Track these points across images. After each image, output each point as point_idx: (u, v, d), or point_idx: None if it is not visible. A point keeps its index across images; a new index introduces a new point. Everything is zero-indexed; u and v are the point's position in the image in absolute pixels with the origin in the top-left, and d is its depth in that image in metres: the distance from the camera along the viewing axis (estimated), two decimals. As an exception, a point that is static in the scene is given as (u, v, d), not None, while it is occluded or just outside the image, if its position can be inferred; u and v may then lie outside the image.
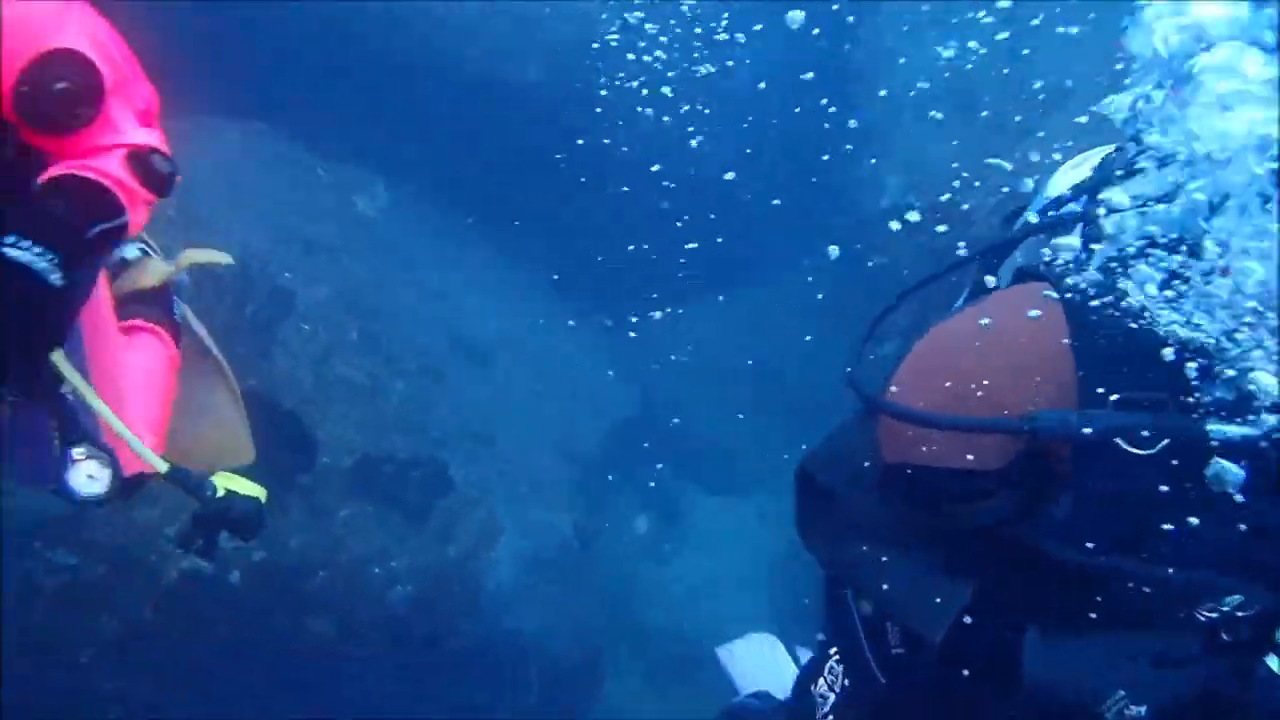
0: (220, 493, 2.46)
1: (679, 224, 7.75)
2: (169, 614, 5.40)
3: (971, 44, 6.82)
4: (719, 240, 7.99)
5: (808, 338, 7.64)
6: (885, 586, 1.76)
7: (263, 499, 2.57)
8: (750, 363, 8.12)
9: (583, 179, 7.68)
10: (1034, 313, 1.62)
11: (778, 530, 7.40)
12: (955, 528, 1.67)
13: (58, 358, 1.99)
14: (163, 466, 2.23)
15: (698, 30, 7.96)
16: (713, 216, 7.57)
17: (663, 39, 8.26)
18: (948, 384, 1.64)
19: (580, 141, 7.82)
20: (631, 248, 7.36)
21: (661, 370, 7.96)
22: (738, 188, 8.17)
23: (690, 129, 7.84)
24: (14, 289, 1.76)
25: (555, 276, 8.10)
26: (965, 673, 1.73)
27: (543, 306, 8.06)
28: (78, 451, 1.90)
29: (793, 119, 8.13)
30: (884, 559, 1.75)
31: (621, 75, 7.97)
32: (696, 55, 8.14)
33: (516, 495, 7.13)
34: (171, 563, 5.49)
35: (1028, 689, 1.66)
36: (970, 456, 1.61)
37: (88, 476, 1.95)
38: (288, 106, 7.54)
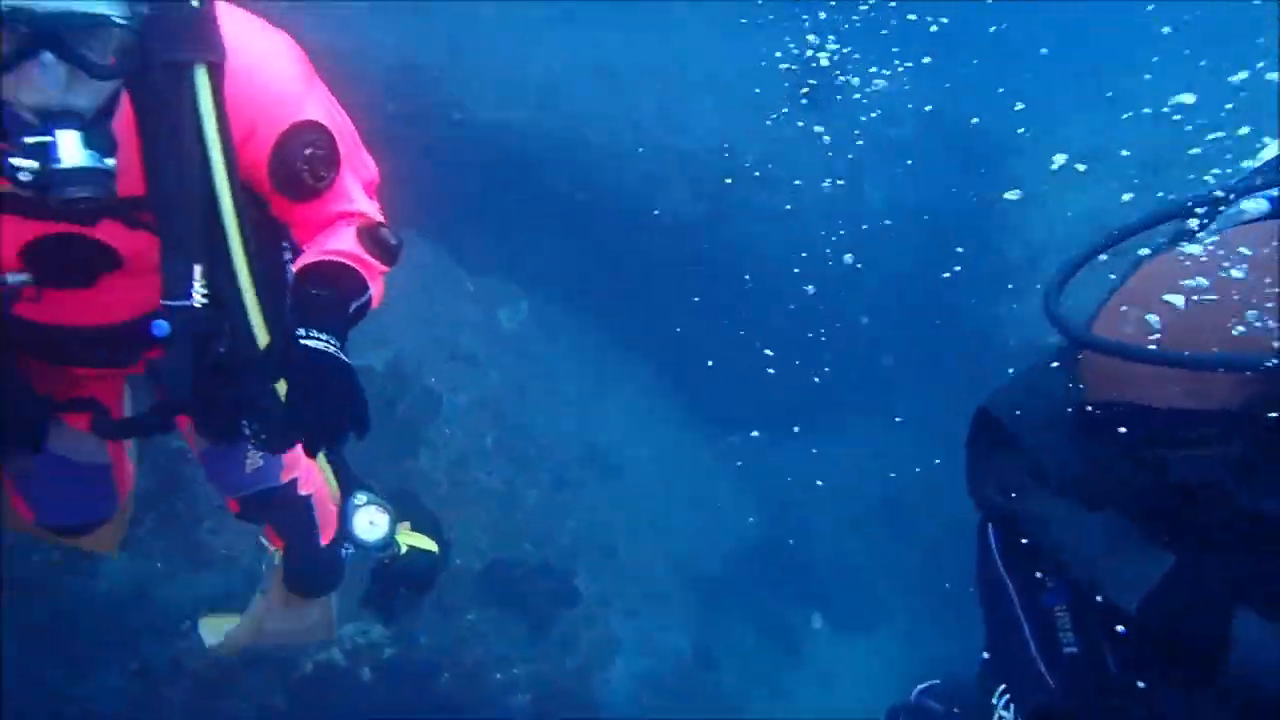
0: (404, 550, 2.57)
1: (811, 348, 7.85)
2: (301, 704, 5.51)
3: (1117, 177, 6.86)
4: (850, 366, 8.04)
5: (935, 466, 7.55)
6: (1070, 542, 1.51)
7: (437, 552, 2.68)
8: (878, 491, 8.04)
9: (719, 301, 7.88)
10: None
11: (903, 666, 7.18)
12: (1161, 480, 1.45)
13: None
14: None
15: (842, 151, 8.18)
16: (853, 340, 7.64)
17: (797, 169, 8.53)
18: (1170, 316, 1.44)
19: (716, 263, 8.06)
20: (768, 370, 7.47)
21: (788, 493, 7.93)
22: (871, 315, 8.25)
23: (827, 253, 7.99)
24: (328, 374, 1.96)
25: (688, 394, 8.22)
26: (1158, 664, 1.49)
27: (675, 422, 8.17)
28: (359, 498, 2.05)
29: (930, 250, 8.23)
30: (1070, 511, 1.52)
31: (760, 204, 8.23)
32: (829, 186, 8.36)
33: (636, 610, 7.12)
34: (306, 654, 5.64)
35: (1234, 678, 1.42)
36: (1193, 395, 1.39)
37: (369, 523, 2.11)
38: (439, 218, 7.97)
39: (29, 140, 1.68)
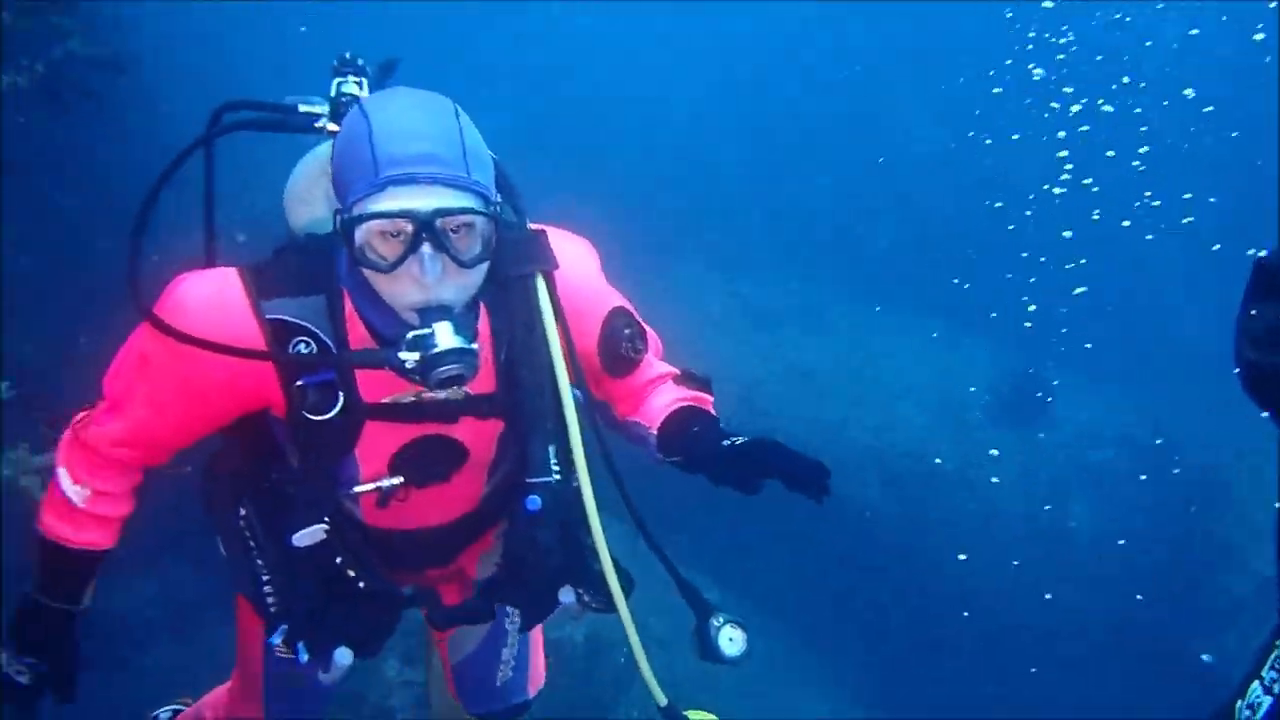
0: None
1: (1011, 665, 7.46)
2: None
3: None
4: (1054, 693, 7.56)
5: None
6: None
7: None
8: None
9: (913, 603, 7.69)
10: None
11: None
12: None
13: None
14: (662, 699, 2.40)
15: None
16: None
17: (994, 479, 8.48)
18: None
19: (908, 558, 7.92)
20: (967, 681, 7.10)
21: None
22: (1073, 642, 7.84)
23: (1032, 576, 7.75)
24: (776, 445, 2.17)
25: (880, 694, 7.85)
26: None
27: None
28: (716, 620, 2.20)
29: (1143, 581, 7.87)
30: None
31: (957, 506, 8.17)
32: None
33: None
34: None
35: None
36: None
37: (729, 639, 2.24)
38: (636, 511, 8.20)
39: (411, 335, 1.97)
